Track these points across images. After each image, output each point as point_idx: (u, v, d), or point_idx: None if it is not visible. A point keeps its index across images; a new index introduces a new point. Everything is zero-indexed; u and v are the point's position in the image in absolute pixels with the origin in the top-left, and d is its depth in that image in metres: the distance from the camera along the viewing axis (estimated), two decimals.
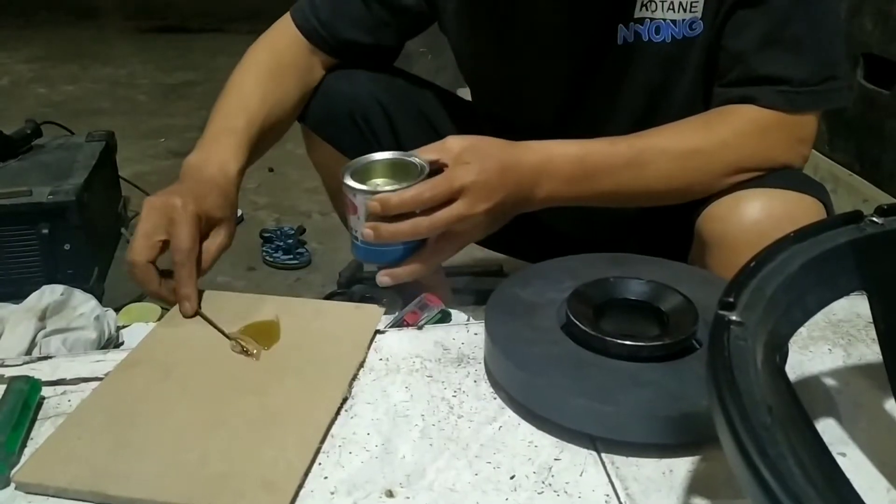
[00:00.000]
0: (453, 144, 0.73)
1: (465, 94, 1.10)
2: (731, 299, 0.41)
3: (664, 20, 0.80)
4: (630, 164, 0.77)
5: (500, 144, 0.75)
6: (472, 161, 0.71)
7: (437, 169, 0.71)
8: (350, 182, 0.71)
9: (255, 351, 0.64)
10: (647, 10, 0.80)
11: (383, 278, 0.73)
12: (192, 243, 0.70)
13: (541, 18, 0.87)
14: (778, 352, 0.43)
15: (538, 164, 0.75)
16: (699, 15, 0.80)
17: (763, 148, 0.78)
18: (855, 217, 0.49)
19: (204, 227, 0.73)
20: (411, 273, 0.72)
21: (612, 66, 0.85)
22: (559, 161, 0.76)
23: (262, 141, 0.87)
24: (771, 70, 0.77)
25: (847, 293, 0.49)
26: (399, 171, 0.72)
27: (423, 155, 0.73)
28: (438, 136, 1.02)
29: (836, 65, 0.79)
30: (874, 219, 0.49)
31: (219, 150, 0.81)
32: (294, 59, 0.94)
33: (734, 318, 0.40)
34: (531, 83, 0.93)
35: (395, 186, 0.69)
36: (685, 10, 0.79)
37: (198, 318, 0.69)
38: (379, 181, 0.73)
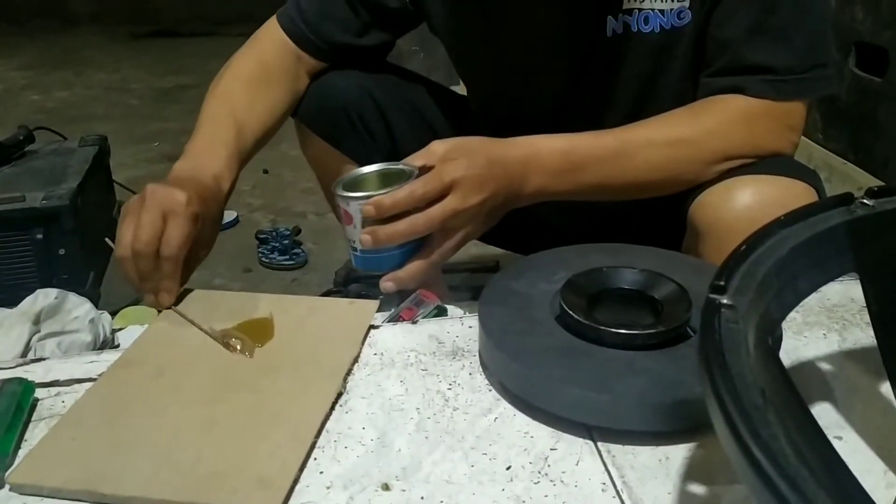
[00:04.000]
0: (438, 148, 0.73)
1: (459, 91, 1.10)
2: (722, 283, 0.41)
3: (652, 10, 0.80)
4: (617, 155, 0.77)
5: (485, 140, 0.75)
6: (460, 157, 0.72)
7: (426, 173, 0.72)
8: (343, 192, 0.72)
9: (244, 350, 0.63)
10: (635, 0, 0.80)
11: (386, 284, 0.73)
12: (186, 241, 0.69)
13: (530, 14, 0.87)
14: (770, 335, 0.43)
15: (524, 158, 0.75)
16: (687, 4, 0.79)
17: (750, 136, 0.78)
18: (845, 199, 0.49)
19: (197, 232, 0.72)
20: (413, 275, 0.73)
21: (604, 58, 0.85)
22: (545, 154, 0.76)
23: (251, 152, 0.87)
24: (757, 59, 0.77)
25: (838, 276, 0.49)
26: (389, 180, 0.73)
27: (410, 162, 0.73)
28: (432, 130, 1.02)
29: (823, 52, 0.79)
30: (865, 201, 0.49)
31: (212, 162, 0.80)
32: (282, 66, 0.93)
33: (725, 301, 0.40)
34: (525, 80, 0.93)
35: (387, 190, 0.70)
36: (673, 0, 0.79)
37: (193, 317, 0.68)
38: (371, 191, 0.73)
